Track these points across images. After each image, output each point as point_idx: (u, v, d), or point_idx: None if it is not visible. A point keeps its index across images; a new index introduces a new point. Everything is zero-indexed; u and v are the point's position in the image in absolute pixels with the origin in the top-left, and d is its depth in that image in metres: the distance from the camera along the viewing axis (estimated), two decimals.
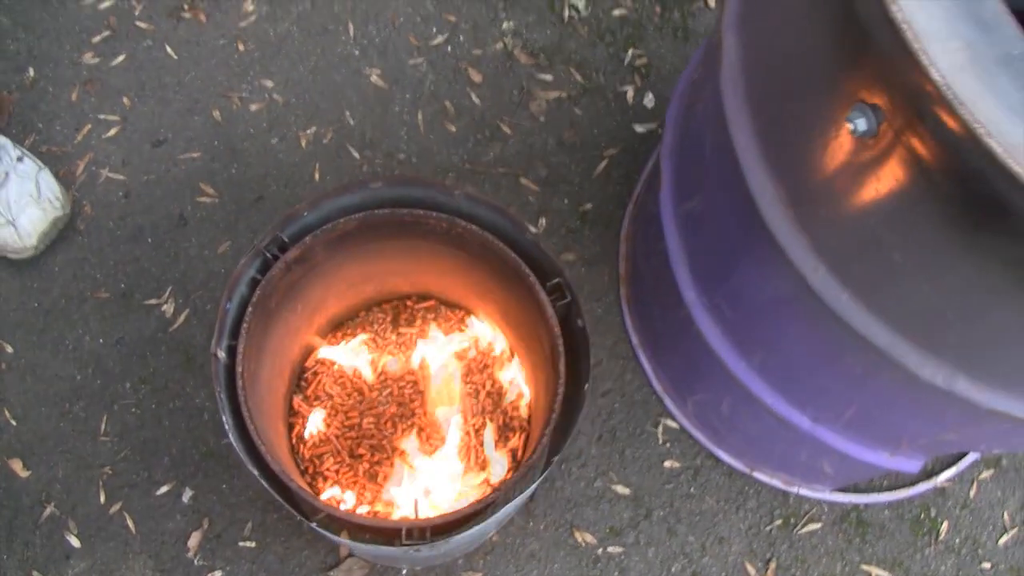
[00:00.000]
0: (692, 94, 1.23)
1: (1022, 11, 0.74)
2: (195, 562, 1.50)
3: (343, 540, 1.04)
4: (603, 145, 1.74)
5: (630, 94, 1.77)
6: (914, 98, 0.70)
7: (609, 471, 1.56)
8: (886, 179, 0.78)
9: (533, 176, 1.71)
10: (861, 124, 0.76)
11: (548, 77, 1.77)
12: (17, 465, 1.54)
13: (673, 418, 1.59)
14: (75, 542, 1.50)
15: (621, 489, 1.55)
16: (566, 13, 1.82)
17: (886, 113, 0.74)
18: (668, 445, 1.58)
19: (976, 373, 0.90)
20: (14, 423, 1.56)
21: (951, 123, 0.67)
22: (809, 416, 1.22)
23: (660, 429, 1.59)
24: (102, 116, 1.72)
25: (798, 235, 0.92)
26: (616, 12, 1.82)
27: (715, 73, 1.02)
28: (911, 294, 0.85)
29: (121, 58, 1.76)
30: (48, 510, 1.52)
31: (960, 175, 0.71)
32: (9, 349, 1.59)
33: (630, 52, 1.79)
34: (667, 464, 1.57)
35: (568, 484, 1.55)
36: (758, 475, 1.55)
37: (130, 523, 1.51)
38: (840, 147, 0.81)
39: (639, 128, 1.75)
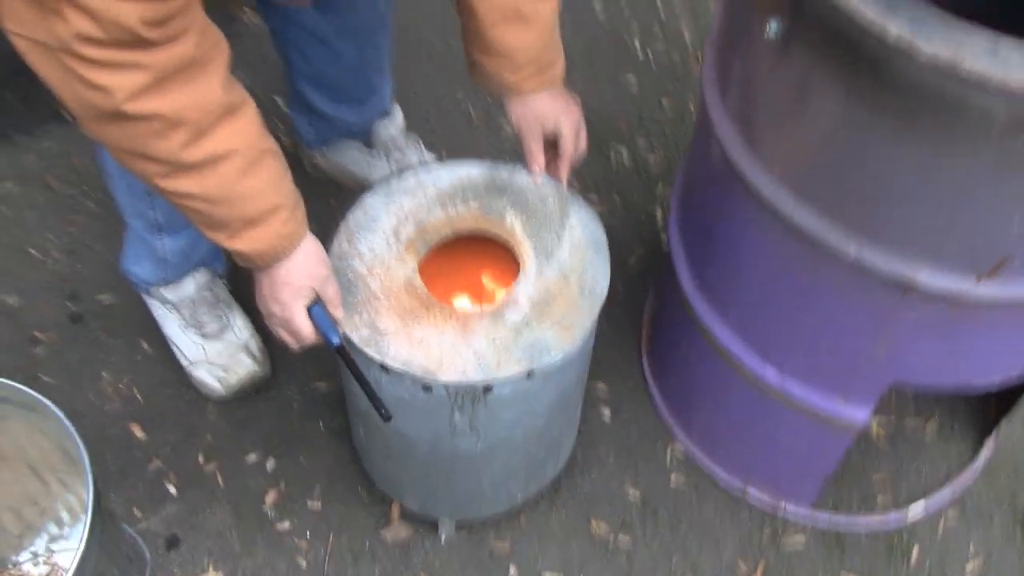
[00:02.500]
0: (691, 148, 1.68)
1: None
2: (269, 515, 1.78)
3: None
4: (634, 246, 2.17)
5: (658, 215, 2.23)
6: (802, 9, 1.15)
7: (624, 476, 1.84)
8: (790, 65, 1.20)
9: None
10: (774, 27, 1.20)
11: (594, 197, 2.24)
12: (136, 429, 1.87)
13: (680, 442, 1.88)
14: (172, 490, 1.81)
15: (632, 492, 1.82)
16: (612, 156, 2.32)
17: (787, 21, 1.18)
18: (674, 464, 1.86)
19: (878, 241, 1.26)
20: (140, 398, 1.91)
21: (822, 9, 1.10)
22: (774, 365, 1.54)
23: (668, 451, 1.88)
24: None
25: (740, 139, 1.34)
26: (651, 157, 2.32)
27: (700, 83, 1.48)
28: (817, 162, 1.24)
29: None
30: (154, 464, 1.83)
31: (829, 35, 1.13)
32: (145, 345, 1.99)
33: (660, 185, 2.27)
34: (673, 477, 1.84)
35: (588, 483, 1.83)
36: (751, 489, 1.81)
37: (220, 480, 1.82)
38: (761, 50, 1.25)
39: (664, 237, 2.18)
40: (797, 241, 1.33)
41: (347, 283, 1.42)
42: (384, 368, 1.37)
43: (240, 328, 1.92)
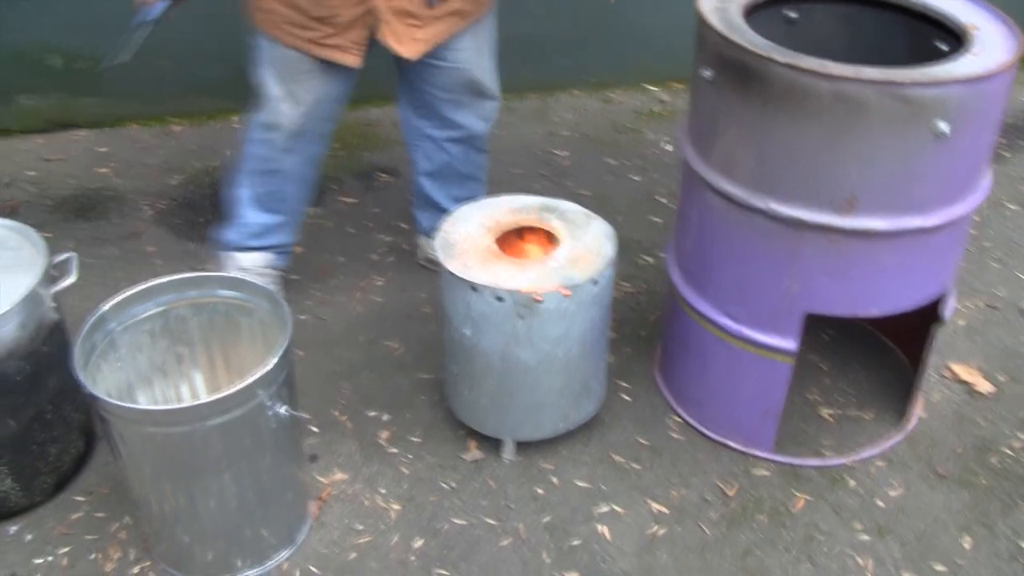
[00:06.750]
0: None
1: None
2: (382, 444, 2.51)
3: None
4: (656, 310, 2.98)
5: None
6: (721, 55, 2.07)
7: (637, 433, 2.54)
8: (717, 91, 2.10)
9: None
10: (707, 73, 2.11)
11: (627, 285, 3.08)
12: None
13: (679, 415, 2.59)
14: (314, 429, 2.56)
15: (643, 441, 2.51)
16: (640, 262, 3.18)
17: (716, 70, 2.09)
18: (675, 427, 2.56)
19: (775, 194, 2.08)
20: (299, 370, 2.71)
21: (729, 50, 2.02)
22: (730, 317, 2.30)
23: (670, 420, 2.58)
24: None
25: (697, 153, 2.21)
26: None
27: (679, 139, 2.38)
28: (738, 150, 2.10)
29: None
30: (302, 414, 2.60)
31: (735, 66, 2.03)
32: (301, 353, 2.81)
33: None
34: (673, 435, 2.54)
35: (611, 435, 2.53)
36: (729, 441, 2.49)
37: (349, 425, 2.58)
38: (701, 89, 2.15)
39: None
40: (735, 209, 2.15)
41: (448, 245, 2.28)
42: (473, 288, 2.19)
43: None
